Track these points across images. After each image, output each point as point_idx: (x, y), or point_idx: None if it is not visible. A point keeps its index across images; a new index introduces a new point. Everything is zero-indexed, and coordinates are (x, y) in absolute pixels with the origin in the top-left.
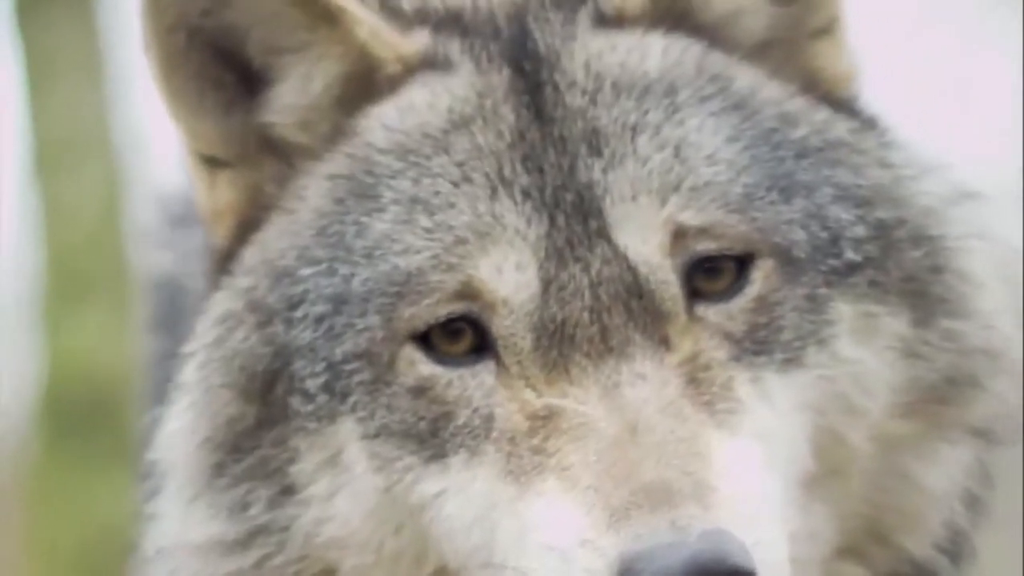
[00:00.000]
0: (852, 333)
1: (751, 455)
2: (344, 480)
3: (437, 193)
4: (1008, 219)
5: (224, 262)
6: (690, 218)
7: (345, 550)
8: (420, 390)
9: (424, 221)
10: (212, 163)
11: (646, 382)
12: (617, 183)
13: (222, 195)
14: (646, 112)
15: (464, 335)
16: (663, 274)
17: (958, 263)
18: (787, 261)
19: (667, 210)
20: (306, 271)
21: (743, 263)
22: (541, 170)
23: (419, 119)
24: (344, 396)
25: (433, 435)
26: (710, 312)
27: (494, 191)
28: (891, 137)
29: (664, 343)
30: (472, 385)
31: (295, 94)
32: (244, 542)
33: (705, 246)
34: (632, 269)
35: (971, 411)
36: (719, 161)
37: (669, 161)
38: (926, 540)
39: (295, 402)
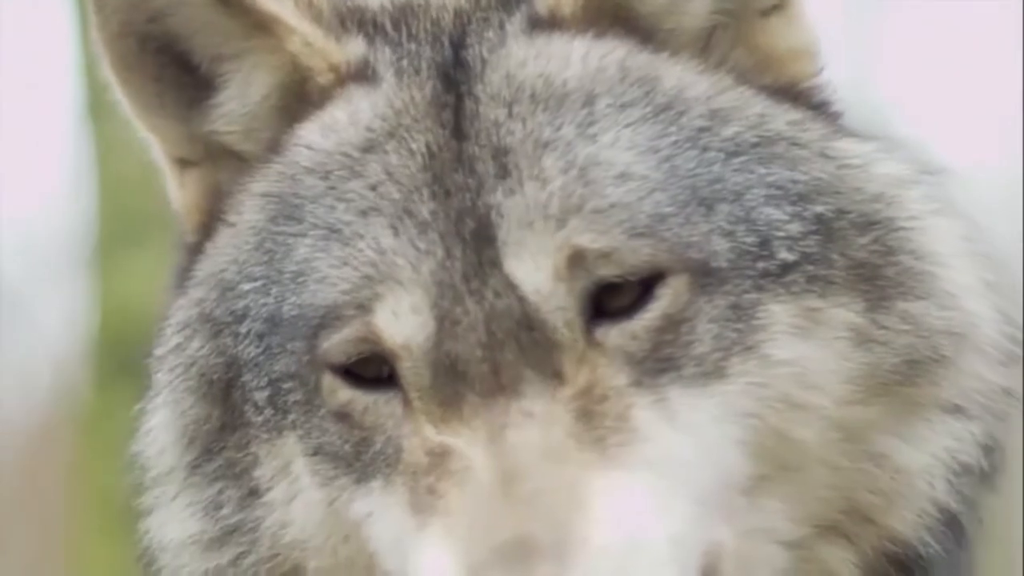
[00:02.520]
0: (791, 333)
1: (643, 489)
2: (296, 489)
3: (349, 222)
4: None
5: (194, 259)
6: (590, 242)
7: (306, 552)
8: (342, 415)
9: (337, 251)
10: (180, 162)
11: (534, 422)
12: (515, 207)
13: (189, 193)
14: (559, 127)
15: (377, 362)
16: (556, 301)
17: (913, 244)
18: (705, 273)
19: (564, 234)
20: (246, 286)
21: (650, 280)
22: (448, 193)
23: (339, 138)
24: (285, 413)
25: (357, 459)
26: (612, 334)
27: (399, 221)
28: (841, 123)
29: (557, 377)
30: (385, 413)
31: (236, 102)
32: (220, 540)
33: (606, 271)
34: (522, 299)
35: (942, 390)
36: (631, 178)
37: (573, 182)
38: (910, 519)
39: (248, 411)
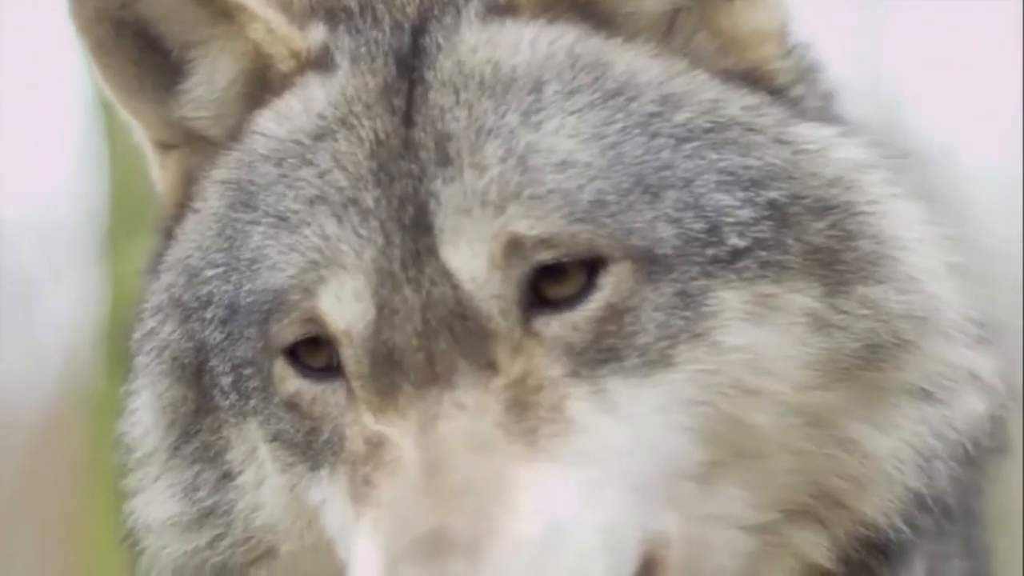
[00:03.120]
0: (743, 319)
1: (572, 480)
2: (263, 473)
3: (297, 210)
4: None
5: (166, 243)
6: (527, 228)
7: (277, 535)
8: (292, 404)
9: (285, 238)
10: (162, 146)
11: (464, 413)
12: (453, 195)
13: (169, 175)
14: (503, 114)
15: (323, 348)
16: (491, 289)
17: (873, 228)
18: (649, 261)
19: (500, 221)
20: (209, 272)
21: (593, 269)
22: (392, 180)
23: (293, 125)
24: (247, 398)
25: (308, 447)
26: (552, 324)
27: (344, 208)
28: (803, 106)
29: (491, 367)
30: (331, 403)
31: (204, 88)
32: (198, 522)
33: (544, 255)
34: (456, 288)
35: (906, 374)
36: (572, 165)
37: (512, 170)
38: (880, 504)
39: (217, 395)
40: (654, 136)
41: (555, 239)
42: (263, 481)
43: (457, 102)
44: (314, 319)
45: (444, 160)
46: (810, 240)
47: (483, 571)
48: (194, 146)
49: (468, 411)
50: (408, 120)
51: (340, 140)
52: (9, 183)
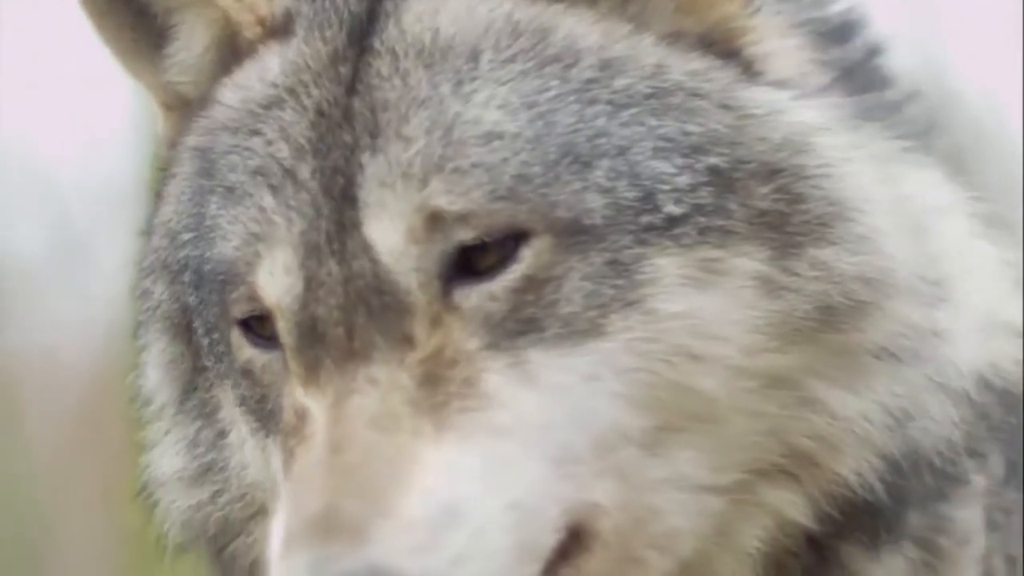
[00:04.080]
0: (683, 284)
1: (479, 456)
2: (243, 434)
3: (243, 181)
4: None
5: (157, 205)
6: (448, 203)
7: (265, 493)
8: (246, 371)
9: (232, 209)
10: (165, 106)
11: (376, 388)
12: (378, 167)
13: (166, 137)
14: (437, 84)
15: (268, 319)
16: (409, 263)
17: (823, 191)
18: (575, 232)
19: (422, 195)
20: (184, 236)
21: (516, 240)
22: (329, 151)
23: (246, 94)
24: (219, 362)
25: (261, 414)
26: (472, 296)
27: (282, 180)
28: (757, 70)
29: (407, 341)
30: (277, 371)
31: (185, 53)
32: (199, 477)
33: (465, 234)
34: (375, 261)
35: (866, 335)
36: (499, 137)
37: (436, 142)
38: (853, 464)
39: (203, 355)
40: (591, 103)
41: (474, 216)
42: (244, 441)
43: (396, 71)
44: (253, 296)
45: (375, 131)
46: (756, 204)
47: (366, 553)
48: (183, 110)
49: (380, 387)
50: (351, 89)
51: (287, 110)
52: (60, 143)
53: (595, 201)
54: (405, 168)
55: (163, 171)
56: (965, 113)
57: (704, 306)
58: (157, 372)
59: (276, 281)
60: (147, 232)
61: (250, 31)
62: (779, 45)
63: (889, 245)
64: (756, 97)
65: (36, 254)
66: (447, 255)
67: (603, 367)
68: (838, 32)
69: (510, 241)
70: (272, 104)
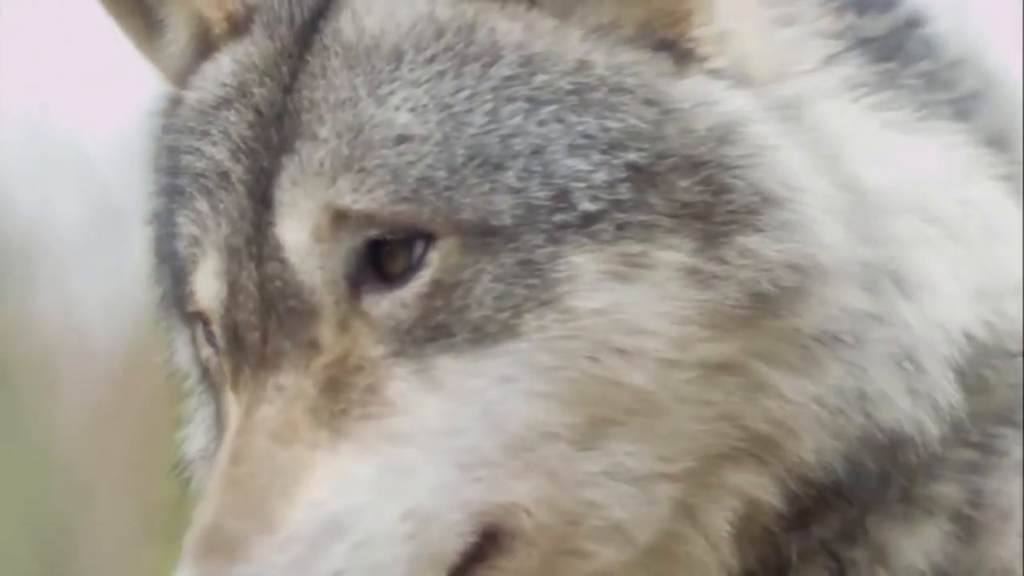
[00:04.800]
0: (603, 280)
1: (377, 465)
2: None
3: (190, 183)
4: None
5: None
6: (352, 202)
7: None
8: (205, 369)
9: (182, 211)
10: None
11: (281, 396)
12: (292, 167)
13: None
14: (356, 86)
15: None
16: (313, 261)
17: (749, 180)
18: (484, 233)
19: (329, 194)
20: (163, 231)
21: (426, 244)
22: (261, 152)
23: (202, 94)
24: (201, 351)
25: (218, 410)
26: (382, 303)
27: (217, 182)
28: (697, 57)
29: (314, 346)
30: (220, 372)
31: (174, 46)
32: (212, 457)
33: (369, 232)
34: (284, 262)
35: (804, 320)
36: (407, 140)
37: (347, 143)
38: (815, 446)
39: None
40: (509, 101)
41: (378, 216)
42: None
43: (325, 70)
44: (193, 297)
45: (296, 131)
46: (679, 197)
47: (240, 571)
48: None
49: (285, 394)
50: (289, 88)
51: (232, 110)
52: (97, 118)
53: (504, 202)
54: (316, 168)
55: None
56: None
57: (628, 300)
58: (184, 351)
59: (207, 285)
60: (147, 220)
61: (218, 27)
62: (736, 25)
63: (818, 231)
64: (683, 90)
65: (73, 229)
66: (353, 254)
67: (518, 368)
68: (865, 4)
69: (419, 245)
70: (220, 104)
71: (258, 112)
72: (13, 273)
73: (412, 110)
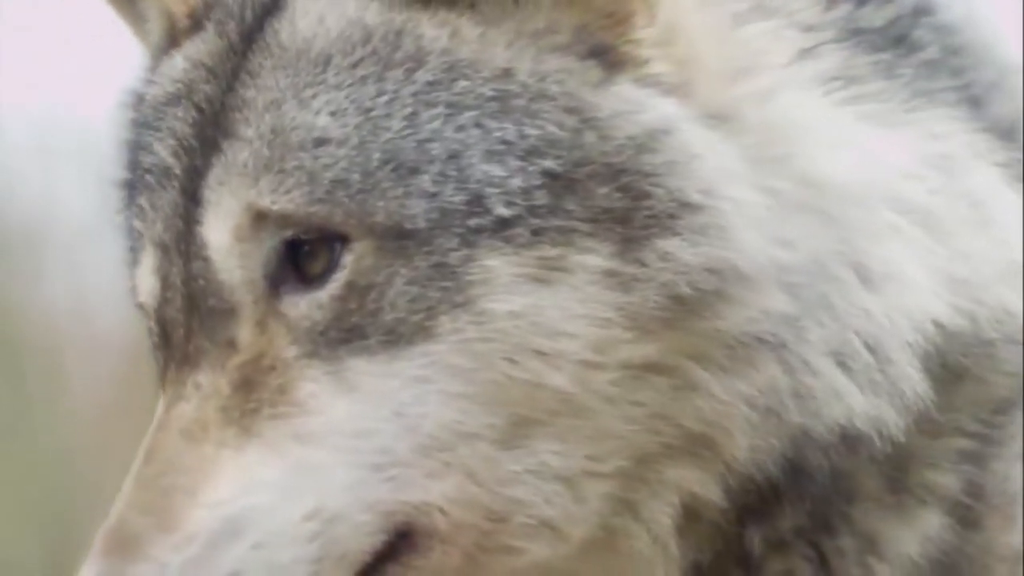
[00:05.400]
0: (519, 284)
1: (281, 467)
2: None
3: (138, 179)
4: None
5: None
6: (271, 203)
7: None
8: (157, 362)
9: (132, 205)
10: None
11: (197, 394)
12: (218, 167)
13: None
14: (284, 88)
15: None
16: (234, 261)
17: (668, 188)
18: (398, 236)
19: (249, 195)
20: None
21: (342, 246)
22: (197, 150)
23: (158, 89)
24: None
25: None
26: (300, 304)
27: (159, 179)
28: (632, 62)
29: (231, 345)
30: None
31: (152, 37)
32: None
33: (285, 233)
34: (207, 260)
35: (727, 322)
36: (325, 143)
37: (269, 145)
38: (750, 444)
39: None
40: (429, 106)
41: (294, 217)
42: None
43: (260, 70)
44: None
45: (228, 130)
46: (597, 204)
47: (136, 570)
48: None
49: (201, 392)
50: (230, 86)
51: (180, 106)
52: (104, 103)
53: (418, 206)
54: (239, 168)
55: None
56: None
57: (545, 303)
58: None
59: (144, 281)
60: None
61: (181, 23)
62: (686, 23)
63: (735, 236)
64: (607, 99)
65: (80, 217)
66: (274, 254)
67: (432, 369)
68: None
69: (336, 247)
70: (170, 101)
71: (200, 110)
72: (21, 262)
73: (332, 114)
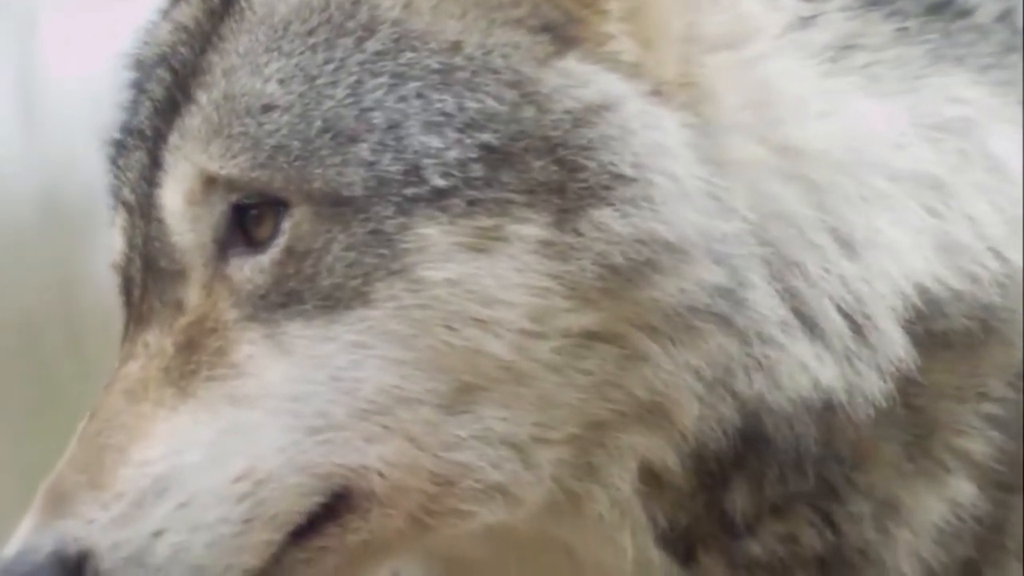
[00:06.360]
0: (455, 252)
1: (214, 428)
2: None
3: (121, 139)
4: None
5: None
6: (219, 168)
7: None
8: None
9: (112, 165)
10: None
11: (146, 353)
12: (176, 131)
13: None
14: (243, 53)
15: None
16: (185, 225)
17: (600, 160)
18: (335, 203)
19: (200, 160)
20: None
21: (282, 212)
22: (165, 114)
23: (148, 51)
24: None
25: None
26: (245, 268)
27: (134, 141)
28: (574, 44)
29: (179, 306)
30: None
31: None
32: None
33: (231, 198)
34: (161, 221)
35: (666, 294)
36: (271, 109)
37: (219, 110)
38: (695, 415)
39: None
40: (374, 75)
41: (239, 182)
42: None
43: (228, 35)
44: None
45: (189, 95)
46: (533, 176)
47: (62, 525)
48: None
49: (148, 352)
50: (203, 50)
51: (161, 68)
52: None
53: (355, 174)
54: (194, 133)
55: None
56: None
57: (482, 272)
58: None
59: (114, 240)
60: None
61: None
62: None
63: (666, 209)
64: (550, 74)
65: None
66: (223, 218)
67: (369, 335)
68: None
69: (280, 212)
70: (156, 63)
71: (175, 72)
72: (82, 235)
73: (280, 81)
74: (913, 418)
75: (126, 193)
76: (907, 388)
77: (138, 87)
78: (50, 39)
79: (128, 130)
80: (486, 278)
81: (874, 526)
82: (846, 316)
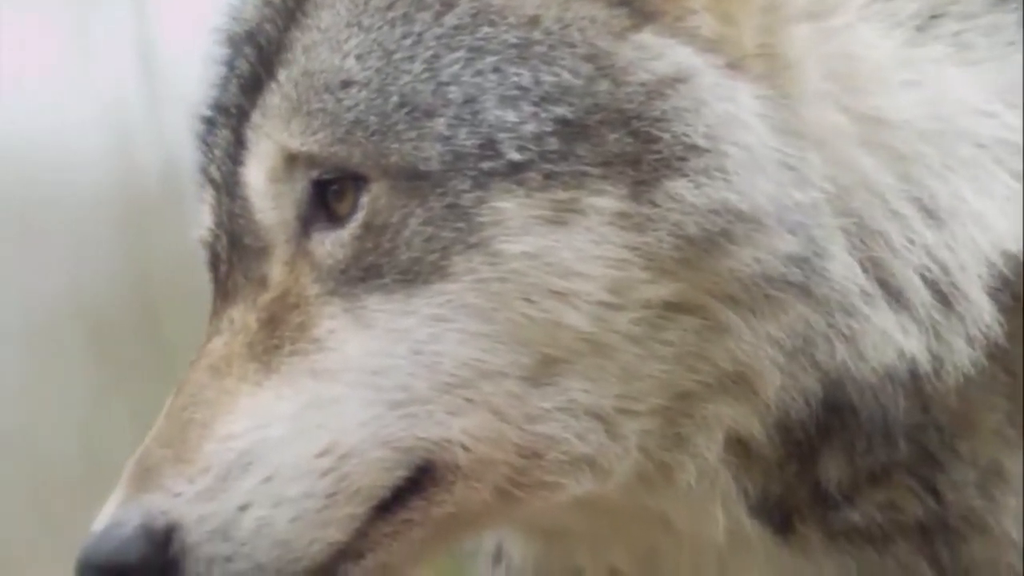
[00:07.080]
0: (534, 225)
1: (298, 402)
2: None
3: (210, 115)
4: None
5: None
6: (300, 145)
7: None
8: None
9: (199, 141)
10: None
11: (231, 329)
12: (259, 108)
13: None
14: (325, 28)
15: None
16: (267, 202)
17: (674, 132)
18: (412, 177)
19: (281, 137)
20: None
21: (361, 187)
22: (251, 91)
23: (237, 28)
24: None
25: None
26: (326, 243)
27: (222, 118)
28: (652, 18)
29: (262, 282)
30: None
31: None
32: None
33: (311, 174)
34: (245, 199)
35: (740, 263)
36: (349, 85)
37: (299, 87)
38: (778, 386)
39: None
40: (451, 50)
41: (318, 157)
42: None
43: (312, 10)
44: None
45: (272, 72)
46: (609, 149)
47: (149, 499)
48: None
49: (233, 328)
50: (287, 27)
51: (247, 44)
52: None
53: (432, 149)
54: (275, 110)
55: None
56: None
57: (560, 244)
58: None
59: (202, 215)
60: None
61: None
62: None
63: (738, 180)
64: (625, 47)
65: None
66: (305, 194)
67: (448, 308)
68: None
69: (359, 187)
70: (245, 39)
71: (260, 48)
72: (161, 217)
73: (359, 56)
74: (1014, 384)
75: (213, 170)
76: (1005, 355)
77: (227, 64)
78: (169, 8)
79: (216, 107)
80: (564, 250)
81: (979, 493)
82: (931, 285)
